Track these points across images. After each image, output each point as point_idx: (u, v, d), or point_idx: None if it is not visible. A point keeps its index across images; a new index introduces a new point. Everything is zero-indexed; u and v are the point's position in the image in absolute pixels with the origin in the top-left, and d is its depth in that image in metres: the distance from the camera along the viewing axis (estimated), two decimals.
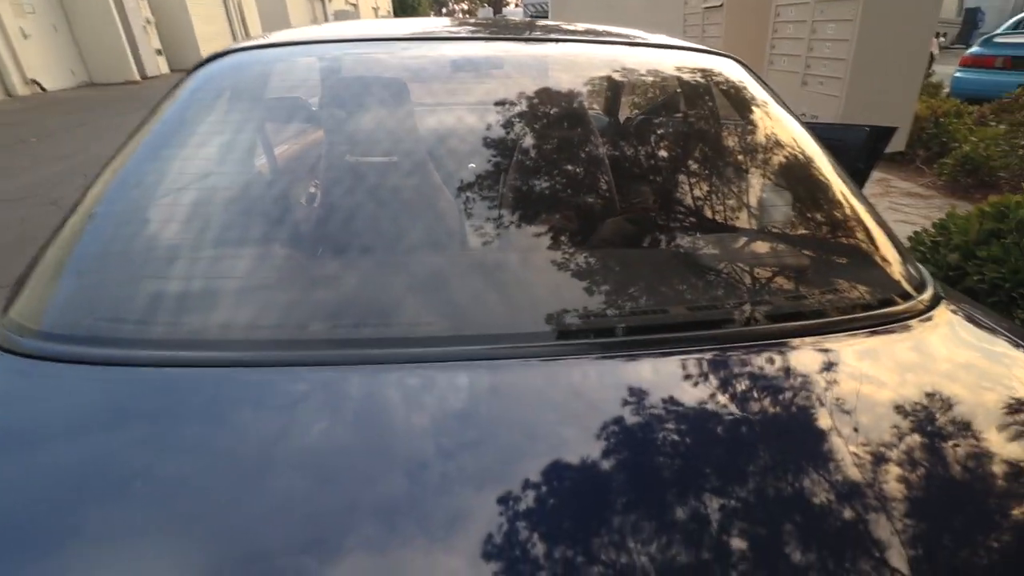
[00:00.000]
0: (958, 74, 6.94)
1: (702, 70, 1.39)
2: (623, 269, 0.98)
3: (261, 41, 1.32)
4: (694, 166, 1.29)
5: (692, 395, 0.71)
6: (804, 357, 0.80)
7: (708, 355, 0.78)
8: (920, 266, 1.04)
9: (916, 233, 2.41)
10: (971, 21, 16.71)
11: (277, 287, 0.91)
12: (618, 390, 0.72)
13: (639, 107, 1.62)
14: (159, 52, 13.26)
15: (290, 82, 1.26)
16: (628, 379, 0.75)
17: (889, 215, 3.97)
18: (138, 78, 12.02)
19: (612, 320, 0.85)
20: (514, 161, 1.12)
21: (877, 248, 1.05)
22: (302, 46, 1.35)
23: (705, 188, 1.22)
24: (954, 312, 0.93)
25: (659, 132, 1.48)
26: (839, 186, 1.14)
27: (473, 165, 1.12)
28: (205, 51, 9.56)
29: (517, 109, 1.20)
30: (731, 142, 1.34)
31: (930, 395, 0.75)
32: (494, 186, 1.09)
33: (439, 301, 0.87)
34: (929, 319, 0.89)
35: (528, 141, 1.17)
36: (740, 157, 1.29)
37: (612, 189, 1.18)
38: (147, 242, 0.94)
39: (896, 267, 1.01)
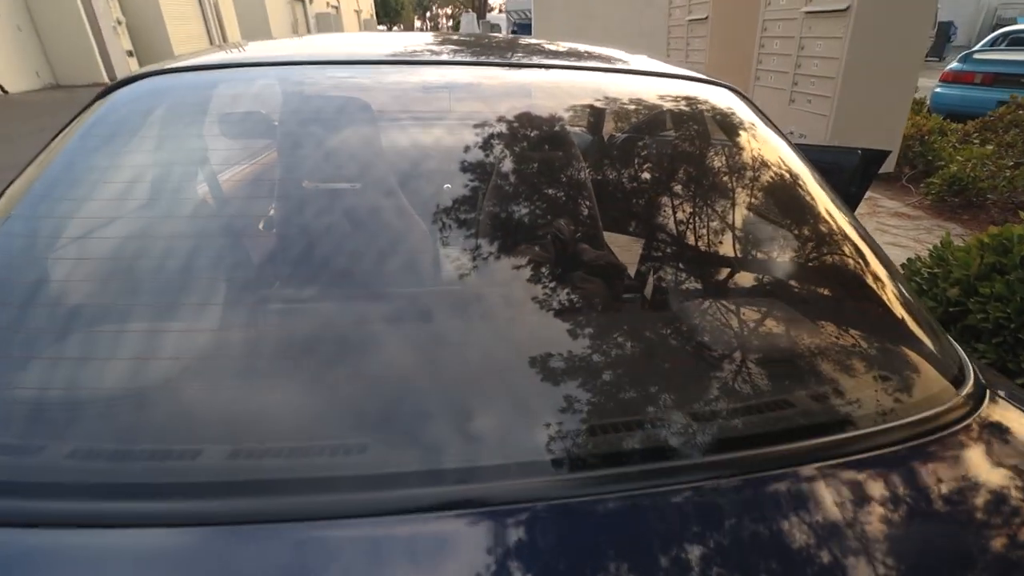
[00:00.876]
0: (938, 89, 7.02)
1: (699, 102, 1.22)
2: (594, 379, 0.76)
3: (184, 63, 1.12)
4: (692, 222, 1.07)
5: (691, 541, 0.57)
6: (820, 490, 0.62)
7: (707, 492, 0.62)
8: (955, 345, 0.87)
9: (910, 260, 2.34)
10: (944, 34, 17.07)
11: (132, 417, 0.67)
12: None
13: (628, 153, 1.42)
14: (130, 54, 12.84)
15: (216, 114, 1.04)
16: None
17: (878, 236, 3.92)
18: (107, 80, 11.63)
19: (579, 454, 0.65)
20: (482, 220, 0.95)
21: (905, 332, 0.88)
22: (232, 70, 1.13)
23: (706, 256, 1.03)
24: (1004, 409, 0.77)
25: (654, 186, 1.24)
26: (859, 259, 0.96)
27: (445, 219, 0.94)
28: (179, 53, 9.39)
29: (489, 154, 1.02)
30: (733, 199, 1.13)
31: (986, 536, 0.60)
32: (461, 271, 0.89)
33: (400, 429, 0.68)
34: (975, 423, 0.73)
35: (499, 192, 0.99)
36: (744, 215, 1.10)
37: (605, 259, 0.99)
38: None
39: (928, 354, 0.84)
